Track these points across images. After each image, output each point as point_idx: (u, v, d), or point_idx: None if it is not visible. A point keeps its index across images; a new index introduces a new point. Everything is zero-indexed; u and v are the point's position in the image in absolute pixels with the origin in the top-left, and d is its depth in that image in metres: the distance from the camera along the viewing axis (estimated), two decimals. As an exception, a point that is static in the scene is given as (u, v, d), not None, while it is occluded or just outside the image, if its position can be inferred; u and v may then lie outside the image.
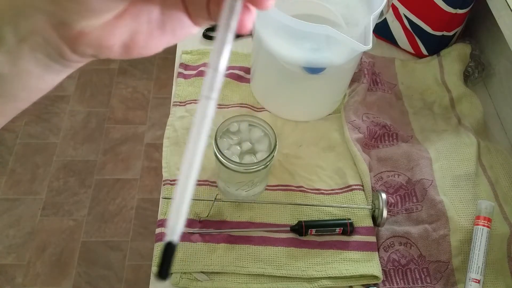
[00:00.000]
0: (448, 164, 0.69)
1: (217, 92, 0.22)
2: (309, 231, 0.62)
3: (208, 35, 0.86)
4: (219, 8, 0.22)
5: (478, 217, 0.62)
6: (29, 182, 1.55)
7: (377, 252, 0.62)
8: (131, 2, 0.22)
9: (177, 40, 0.26)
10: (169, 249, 0.22)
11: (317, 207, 0.65)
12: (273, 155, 0.58)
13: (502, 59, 0.80)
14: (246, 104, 0.76)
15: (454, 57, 0.82)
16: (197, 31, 0.27)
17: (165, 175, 0.67)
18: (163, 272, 0.22)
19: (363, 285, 0.60)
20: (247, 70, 0.80)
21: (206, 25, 0.26)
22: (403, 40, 0.86)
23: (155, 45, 0.25)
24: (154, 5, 0.24)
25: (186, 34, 0.26)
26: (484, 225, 0.61)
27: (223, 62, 0.22)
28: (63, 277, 1.37)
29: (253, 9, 0.22)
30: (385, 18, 0.84)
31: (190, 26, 0.25)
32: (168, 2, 0.24)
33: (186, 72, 0.80)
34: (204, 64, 0.81)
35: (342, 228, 0.62)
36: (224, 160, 0.57)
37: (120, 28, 0.23)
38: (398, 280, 0.60)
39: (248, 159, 0.60)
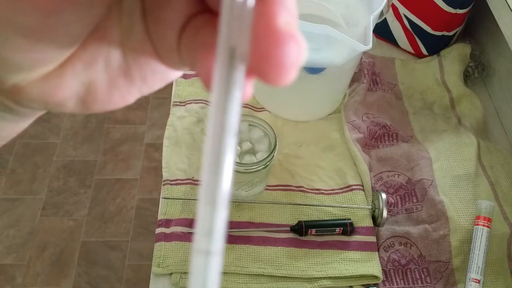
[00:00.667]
0: (448, 164, 0.69)
1: (221, 241, 0.14)
2: (309, 231, 0.62)
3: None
4: (192, 54, 0.16)
5: (478, 217, 0.62)
6: (29, 182, 1.55)
7: (377, 252, 0.62)
8: (80, 45, 0.16)
9: (153, 88, 0.19)
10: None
11: (317, 207, 0.65)
12: (273, 155, 0.58)
13: (502, 59, 0.80)
14: (246, 104, 0.76)
15: (454, 57, 0.82)
16: (179, 76, 0.20)
17: (165, 175, 0.67)
18: None
19: (363, 285, 0.60)
20: (247, 70, 0.80)
21: (188, 70, 0.19)
22: (403, 40, 0.86)
23: (122, 97, 0.19)
24: (113, 47, 0.17)
25: (163, 81, 0.19)
26: (484, 225, 0.61)
27: (226, 185, 0.13)
28: (63, 277, 1.37)
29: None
30: (385, 18, 0.84)
31: (165, 71, 0.19)
32: (131, 42, 0.17)
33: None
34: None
35: (342, 228, 0.62)
36: (224, 160, 0.57)
37: (69, 79, 0.17)
38: (398, 280, 0.60)
39: (248, 159, 0.60)
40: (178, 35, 0.16)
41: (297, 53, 0.13)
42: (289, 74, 0.13)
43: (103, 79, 0.18)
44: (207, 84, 0.15)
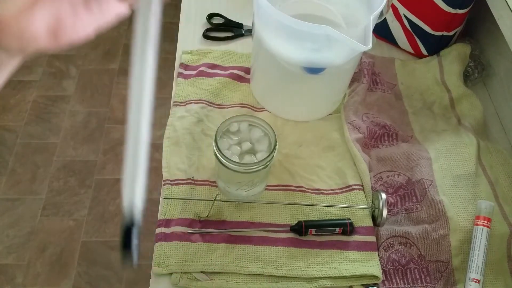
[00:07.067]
0: (448, 164, 0.69)
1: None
2: (309, 231, 0.62)
3: (208, 35, 0.86)
4: None
5: (478, 217, 0.62)
6: (29, 182, 1.55)
7: (377, 252, 0.62)
8: None
9: (107, 20, 0.25)
10: (129, 233, 0.19)
11: (317, 207, 0.65)
12: (273, 155, 0.58)
13: (502, 59, 0.80)
14: (246, 104, 0.76)
15: (454, 57, 0.82)
16: (126, 10, 0.26)
17: (165, 175, 0.67)
18: (127, 256, 0.19)
19: (363, 285, 0.60)
20: (247, 70, 0.80)
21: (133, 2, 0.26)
22: (403, 40, 0.86)
23: (84, 27, 0.24)
24: None
25: (115, 12, 0.25)
26: (484, 225, 0.61)
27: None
28: (63, 277, 1.37)
29: None
30: (385, 18, 0.84)
31: (115, 2, 0.25)
32: None
33: (186, 72, 0.80)
34: (205, 64, 0.81)
35: (342, 228, 0.62)
36: (224, 160, 0.57)
37: (40, 11, 0.22)
38: (398, 280, 0.60)
39: (248, 159, 0.60)
40: None
41: None
42: None
43: (68, 10, 0.23)
44: None
